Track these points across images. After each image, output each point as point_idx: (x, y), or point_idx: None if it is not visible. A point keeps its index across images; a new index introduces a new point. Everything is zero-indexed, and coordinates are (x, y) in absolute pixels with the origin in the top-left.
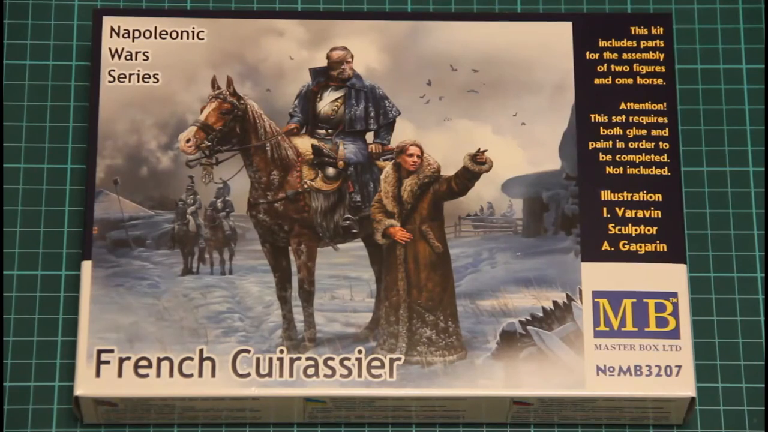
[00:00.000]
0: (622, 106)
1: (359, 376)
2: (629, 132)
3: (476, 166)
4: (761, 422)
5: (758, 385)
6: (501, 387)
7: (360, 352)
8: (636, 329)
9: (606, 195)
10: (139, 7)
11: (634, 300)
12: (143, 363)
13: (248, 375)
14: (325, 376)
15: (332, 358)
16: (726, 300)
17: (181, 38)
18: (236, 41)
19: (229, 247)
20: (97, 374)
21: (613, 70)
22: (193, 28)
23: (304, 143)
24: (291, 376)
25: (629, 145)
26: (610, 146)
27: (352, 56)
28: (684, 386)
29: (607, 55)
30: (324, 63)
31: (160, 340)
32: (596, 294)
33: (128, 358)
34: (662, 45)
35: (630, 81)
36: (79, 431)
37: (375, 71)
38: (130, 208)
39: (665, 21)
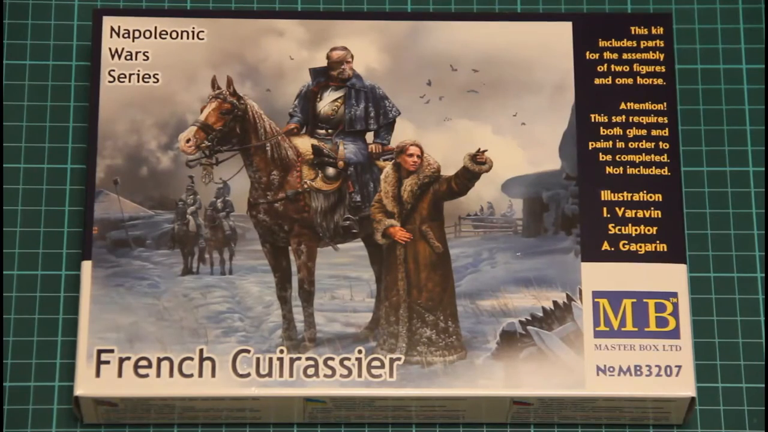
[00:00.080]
0: (622, 106)
1: (359, 376)
2: (629, 132)
3: (476, 166)
4: (761, 422)
5: (758, 385)
6: (501, 387)
7: (360, 352)
8: (636, 329)
9: (606, 195)
10: (139, 7)
11: (634, 300)
12: (143, 363)
13: (248, 375)
14: (325, 376)
15: (332, 358)
16: (726, 300)
17: (181, 38)
18: (236, 41)
19: (229, 247)
20: (97, 374)
21: (613, 70)
22: (193, 28)
23: (304, 143)
24: (291, 376)
25: (629, 145)
26: (610, 146)
27: (352, 56)
28: (684, 386)
29: (607, 55)
30: (324, 63)
31: (160, 340)
32: (596, 294)
33: (128, 358)
34: (662, 45)
35: (630, 81)
36: (79, 431)
37: (375, 71)
38: (130, 208)
39: (665, 21)
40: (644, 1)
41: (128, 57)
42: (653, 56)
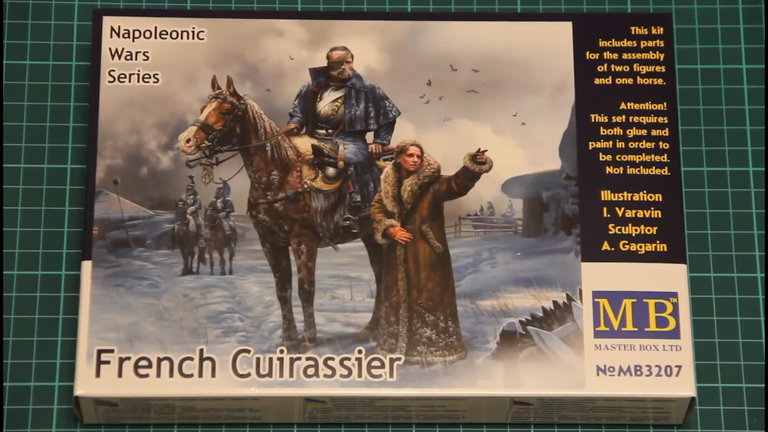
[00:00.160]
0: (622, 106)
1: (359, 376)
2: (629, 132)
3: (476, 166)
4: (761, 422)
5: (758, 385)
6: (501, 387)
7: (360, 352)
8: (636, 329)
9: (606, 195)
10: (139, 7)
11: (634, 300)
12: (143, 363)
13: (248, 375)
14: (325, 376)
15: (332, 358)
16: (726, 300)
17: (181, 38)
18: (236, 41)
19: (229, 247)
20: (97, 374)
21: (613, 70)
22: (193, 28)
23: (304, 143)
24: (291, 376)
25: (629, 145)
26: (610, 146)
27: (352, 56)
28: (684, 386)
29: (607, 55)
30: (324, 63)
31: (160, 340)
32: (596, 294)
33: (128, 358)
34: (662, 45)
35: (630, 81)
36: (79, 431)
37: (375, 71)
38: (130, 208)
39: (665, 21)
40: (644, 1)
41: (128, 57)
42: (653, 56)
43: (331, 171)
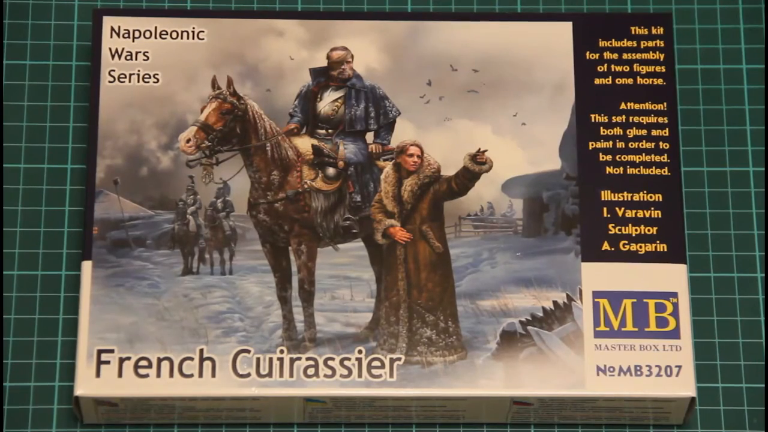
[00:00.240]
0: (622, 106)
1: (359, 376)
2: (629, 132)
3: (476, 166)
4: (761, 422)
5: (758, 385)
6: (501, 387)
7: (360, 352)
8: (636, 329)
9: (606, 195)
10: (139, 7)
11: (634, 300)
12: (143, 363)
13: (248, 375)
14: (325, 376)
15: (332, 358)
16: (726, 300)
17: (181, 38)
18: (236, 41)
19: (229, 247)
20: (97, 374)
21: (613, 70)
22: (193, 28)
23: (304, 143)
24: (291, 376)
25: (629, 145)
26: (610, 146)
27: (352, 56)
28: (684, 386)
29: (607, 55)
30: (324, 63)
31: (161, 340)
32: (596, 294)
33: (128, 358)
34: (662, 45)
35: (630, 81)
36: (79, 431)
37: (375, 71)
38: (130, 208)
39: (665, 21)
40: (644, 1)
41: (128, 57)
42: (653, 56)
43: (331, 171)
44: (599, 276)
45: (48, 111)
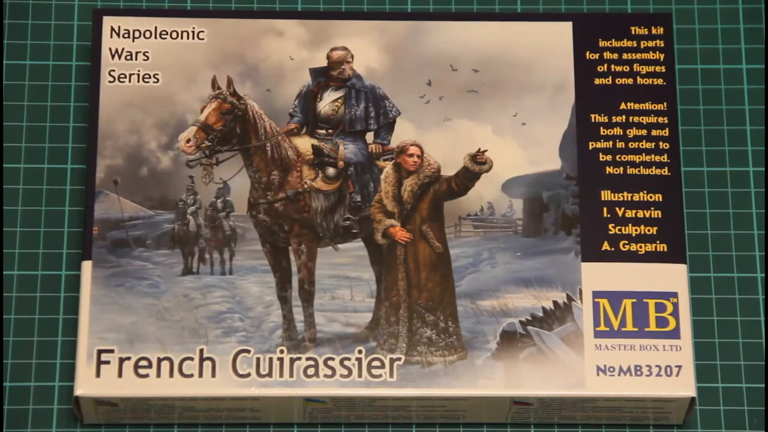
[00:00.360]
0: (622, 106)
1: (359, 376)
2: (629, 132)
3: (476, 166)
4: (761, 422)
5: (758, 385)
6: (501, 387)
7: (360, 352)
8: (636, 329)
9: (606, 195)
10: (139, 7)
11: (635, 300)
12: (143, 363)
13: (248, 375)
14: (325, 376)
15: (332, 358)
16: (726, 300)
17: (181, 38)
18: (236, 41)
19: (229, 247)
20: (98, 374)
21: (613, 70)
22: (193, 28)
23: (304, 143)
24: (291, 376)
25: (629, 145)
26: (610, 146)
27: (352, 56)
28: (684, 386)
29: (607, 55)
30: (324, 63)
31: (160, 340)
32: (596, 294)
33: (128, 358)
34: (662, 45)
35: (630, 81)
36: (79, 431)
37: (375, 71)
38: (130, 208)
39: (665, 21)
40: (644, 1)
41: (128, 57)
42: (653, 56)
43: (331, 171)
44: (599, 276)
45: (48, 111)
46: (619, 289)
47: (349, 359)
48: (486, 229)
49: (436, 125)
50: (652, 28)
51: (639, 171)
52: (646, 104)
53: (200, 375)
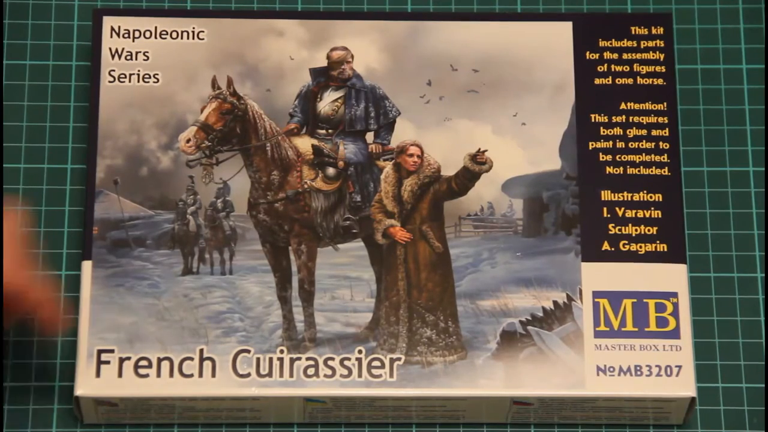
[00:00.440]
0: (622, 106)
1: (359, 376)
2: (629, 132)
3: (476, 166)
4: (761, 422)
5: (758, 385)
6: (501, 387)
7: (360, 352)
8: (636, 329)
9: (606, 195)
10: (139, 7)
11: (635, 300)
12: (143, 363)
13: (248, 375)
14: (326, 376)
15: (332, 358)
16: (726, 300)
17: (181, 38)
18: (236, 41)
19: (229, 247)
20: (98, 374)
21: (613, 70)
22: (193, 28)
23: (305, 143)
24: (291, 376)
25: (629, 145)
26: (610, 146)
27: (352, 56)
28: (684, 386)
29: (607, 55)
30: (324, 63)
31: (161, 340)
32: (596, 294)
33: (128, 358)
34: (662, 45)
35: (630, 81)
36: (79, 431)
37: (375, 71)
38: (130, 208)
39: (665, 21)
40: (644, 1)
41: (128, 57)
42: (653, 56)
43: (331, 171)
44: (599, 276)
45: (48, 111)
46: (619, 289)
47: (349, 359)
48: (486, 229)
49: (436, 125)
50: (652, 28)
51: (639, 171)
52: (646, 104)
53: (200, 375)
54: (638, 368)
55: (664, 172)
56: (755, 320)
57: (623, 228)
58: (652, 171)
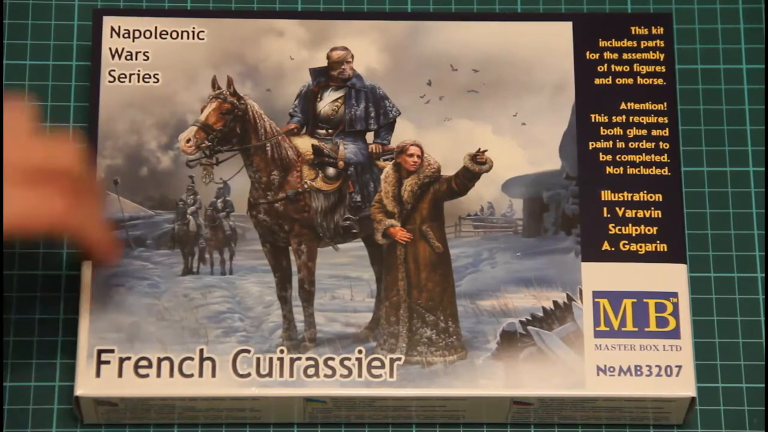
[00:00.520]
0: (622, 106)
1: (359, 376)
2: (629, 132)
3: (476, 166)
4: (761, 422)
5: (758, 385)
6: (501, 387)
7: (360, 352)
8: (636, 329)
9: (606, 195)
10: (140, 7)
11: (635, 300)
12: (143, 363)
13: (248, 375)
14: (326, 376)
15: (332, 358)
16: (726, 300)
17: (182, 38)
18: (236, 41)
19: (230, 247)
20: (98, 374)
21: (613, 70)
22: (193, 28)
23: (305, 143)
24: (291, 376)
25: (629, 145)
26: (610, 146)
27: (352, 56)
28: (684, 386)
29: (607, 55)
30: (324, 63)
31: (161, 340)
32: (596, 294)
33: (128, 358)
34: (662, 45)
35: (630, 81)
36: (79, 431)
37: (375, 71)
38: (130, 208)
39: (665, 21)
40: (644, 1)
41: (128, 57)
42: (653, 56)
43: (331, 171)
44: (599, 276)
45: (48, 111)
46: (619, 289)
47: (349, 359)
48: (486, 229)
49: (436, 125)
50: (652, 28)
51: (639, 171)
52: (646, 104)
53: (200, 375)
54: (638, 368)
55: (664, 172)
56: (755, 320)
57: (623, 228)
58: (652, 171)
